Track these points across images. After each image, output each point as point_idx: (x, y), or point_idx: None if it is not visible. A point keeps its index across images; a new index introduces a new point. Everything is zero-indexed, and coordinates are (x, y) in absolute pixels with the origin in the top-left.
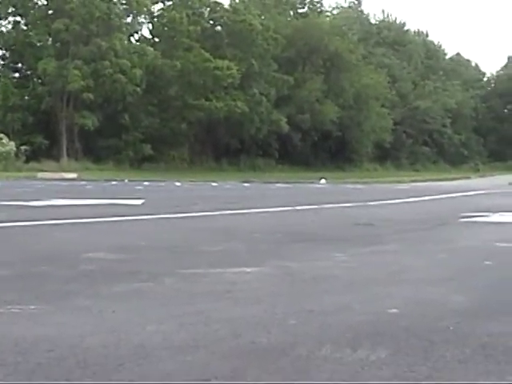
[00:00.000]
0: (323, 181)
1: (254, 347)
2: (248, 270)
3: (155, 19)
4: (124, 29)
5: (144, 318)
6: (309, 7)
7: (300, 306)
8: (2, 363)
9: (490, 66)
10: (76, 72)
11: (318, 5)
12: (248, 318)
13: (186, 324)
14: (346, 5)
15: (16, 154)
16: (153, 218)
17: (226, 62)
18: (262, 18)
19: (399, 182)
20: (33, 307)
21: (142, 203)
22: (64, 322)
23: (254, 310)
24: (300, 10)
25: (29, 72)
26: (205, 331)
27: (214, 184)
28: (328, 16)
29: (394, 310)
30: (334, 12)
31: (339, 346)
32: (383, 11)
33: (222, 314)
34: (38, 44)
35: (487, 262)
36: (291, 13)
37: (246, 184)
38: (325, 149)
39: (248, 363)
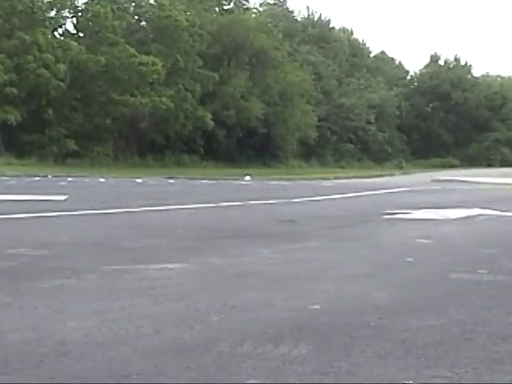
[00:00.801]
0: (248, 177)
1: (176, 343)
2: (171, 266)
3: (79, 13)
4: (48, 23)
5: (66, 315)
6: (234, 4)
7: (223, 302)
8: None
9: (414, 65)
10: None
11: (244, 1)
12: (170, 315)
13: (108, 320)
14: (271, 1)
15: None
16: (76, 214)
17: (151, 58)
18: (188, 13)
19: (324, 178)
20: None
21: (65, 199)
22: None
23: (177, 307)
24: (226, 7)
25: None
26: (127, 328)
27: (138, 180)
28: (254, 13)
29: (316, 306)
30: (260, 9)
31: (261, 341)
32: (308, 8)
33: (145, 310)
34: None
35: (408, 259)
36: (217, 9)
37: (170, 180)
38: (250, 145)
39: (170, 360)
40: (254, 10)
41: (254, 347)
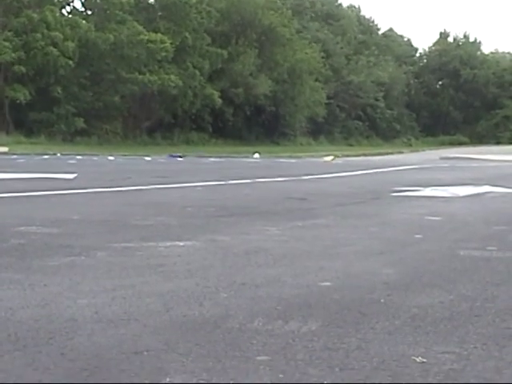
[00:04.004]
0: (257, 155)
1: (185, 320)
2: (180, 243)
3: None
4: (56, 1)
5: (76, 292)
6: None
7: (232, 279)
8: None
9: (423, 42)
10: (6, 44)
11: None
12: (180, 292)
13: (118, 297)
14: None
15: None
16: (85, 192)
17: (160, 36)
18: None
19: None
20: None
21: (75, 177)
22: None
23: (186, 284)
24: None
25: None
26: (137, 304)
27: (147, 158)
28: None
29: (326, 283)
30: None
31: (271, 318)
32: None
33: (154, 287)
34: None
35: (417, 236)
36: None
37: (179, 158)
38: (258, 123)
39: (180, 336)
40: None
41: (263, 324)
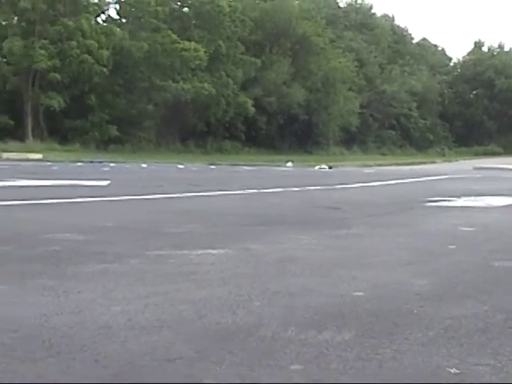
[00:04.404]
0: (290, 164)
1: (218, 328)
2: (213, 251)
3: (122, 0)
4: (91, 9)
5: (109, 299)
6: None
7: (265, 287)
8: None
9: (457, 51)
10: (42, 52)
11: None
12: (213, 299)
13: (151, 305)
14: None
15: None
16: (118, 200)
17: (194, 44)
18: (230, 0)
19: (365, 165)
20: None
21: (108, 184)
22: (28, 302)
23: (219, 292)
24: None
25: None
26: (170, 312)
27: (180, 166)
28: None
29: (359, 293)
30: None
31: (304, 327)
32: None
33: (187, 294)
34: (4, 23)
35: (451, 246)
36: None
37: (212, 166)
38: (291, 132)
39: (213, 344)
40: None
41: (296, 333)
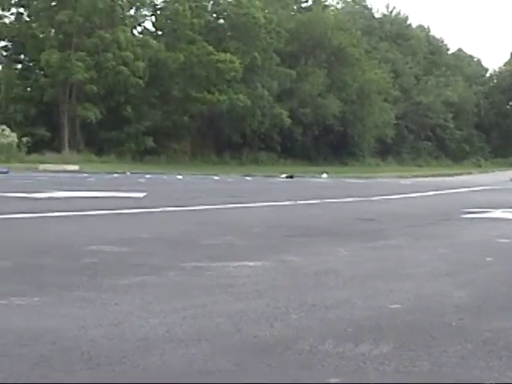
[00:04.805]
0: (325, 175)
1: (256, 341)
2: (250, 264)
3: (158, 12)
4: (127, 21)
5: (147, 311)
6: (313, 1)
7: (302, 300)
8: (6, 355)
9: (493, 62)
10: (79, 64)
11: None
12: (250, 312)
13: (188, 317)
14: None
15: (18, 146)
16: (155, 211)
17: (229, 55)
18: (266, 11)
19: (401, 176)
20: (36, 299)
21: (144, 196)
22: (67, 314)
23: (256, 304)
24: (304, 4)
25: (31, 63)
26: (207, 325)
27: (215, 177)
28: (332, 10)
29: (396, 305)
30: (338, 6)
31: (341, 340)
32: (387, 6)
33: (225, 307)
34: (41, 35)
35: (488, 258)
36: (294, 7)
37: (247, 178)
38: (327, 143)
39: (251, 357)
40: (333, 8)
41: (334, 346)
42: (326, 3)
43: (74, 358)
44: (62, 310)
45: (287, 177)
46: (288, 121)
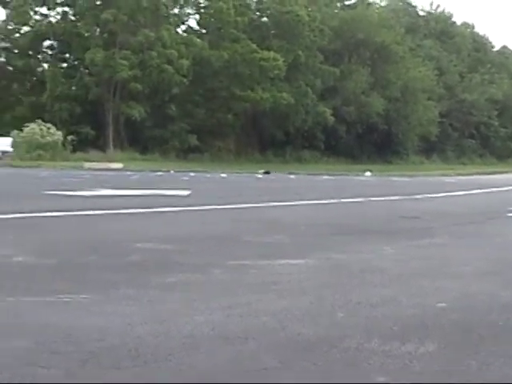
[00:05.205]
0: (368, 173)
1: (301, 339)
2: (294, 261)
3: (202, 10)
4: (171, 19)
5: (193, 309)
6: None
7: (347, 298)
8: (55, 352)
9: None
10: (123, 62)
11: None
12: (295, 310)
13: (234, 315)
14: None
15: (63, 144)
16: (200, 209)
17: (273, 53)
18: (309, 9)
19: (445, 175)
20: (83, 296)
21: (189, 194)
22: (114, 312)
23: (301, 302)
24: (347, 2)
25: (76, 62)
26: (253, 322)
27: (259, 175)
28: (376, 8)
29: (442, 304)
30: (382, 4)
31: (387, 338)
32: (431, 3)
33: (270, 305)
34: (86, 34)
35: None
36: (338, 4)
37: (291, 176)
38: (370, 141)
39: (297, 355)
40: (377, 5)
41: (380, 344)
42: (370, 1)
43: (121, 355)
44: (108, 308)
45: (264, 172)
46: (331, 119)
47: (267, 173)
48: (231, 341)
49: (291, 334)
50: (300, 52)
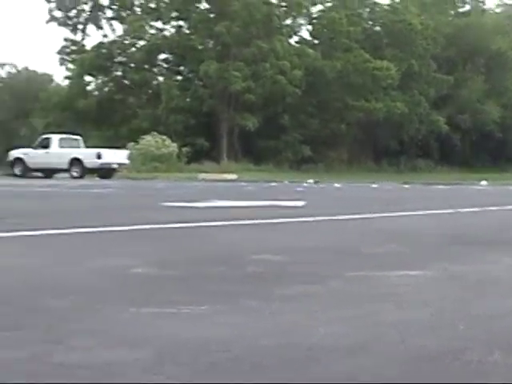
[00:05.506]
0: (484, 182)
1: (422, 351)
2: (412, 273)
3: (315, 20)
4: (284, 30)
5: (313, 320)
6: (471, 6)
7: (466, 310)
8: (176, 362)
9: None
10: (237, 74)
11: (481, 4)
12: (415, 322)
13: (354, 327)
14: (509, 1)
15: (178, 156)
16: (316, 220)
17: (386, 63)
18: (422, 17)
19: None
20: (204, 308)
21: (304, 205)
22: (235, 323)
23: (421, 314)
24: (461, 10)
25: (191, 74)
26: (373, 334)
27: (373, 185)
28: (491, 15)
29: None
30: (497, 10)
31: (510, 352)
32: None
33: (389, 316)
34: (200, 47)
35: None
36: (452, 12)
37: (406, 186)
38: (485, 149)
39: (418, 367)
40: (491, 12)
41: (502, 357)
42: (485, 7)
43: (245, 368)
44: (230, 319)
45: (315, 182)
46: (445, 127)
47: (317, 182)
48: (353, 353)
49: (412, 346)
50: (413, 61)
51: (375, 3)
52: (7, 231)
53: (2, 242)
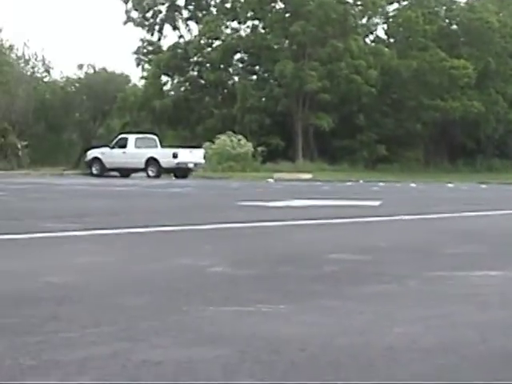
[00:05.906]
0: None
1: (504, 352)
2: (492, 273)
3: (390, 19)
4: (359, 30)
5: (391, 320)
6: None
7: None
8: (257, 360)
9: None
10: (312, 73)
11: None
12: (496, 323)
13: (432, 327)
14: None
15: (253, 155)
16: (391, 220)
17: (462, 61)
18: (500, 14)
19: None
20: (281, 307)
21: (380, 204)
22: (313, 322)
23: (502, 315)
24: None
25: (266, 74)
26: (452, 334)
27: (449, 185)
28: None
29: None
30: None
31: None
32: None
33: (468, 317)
34: (275, 47)
35: None
36: None
37: (483, 185)
38: None
39: (500, 368)
40: None
41: None
42: None
43: (322, 366)
44: (307, 318)
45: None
46: None
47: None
48: (431, 353)
49: (493, 347)
50: (490, 59)
51: (452, 1)
52: (85, 229)
53: (80, 241)
